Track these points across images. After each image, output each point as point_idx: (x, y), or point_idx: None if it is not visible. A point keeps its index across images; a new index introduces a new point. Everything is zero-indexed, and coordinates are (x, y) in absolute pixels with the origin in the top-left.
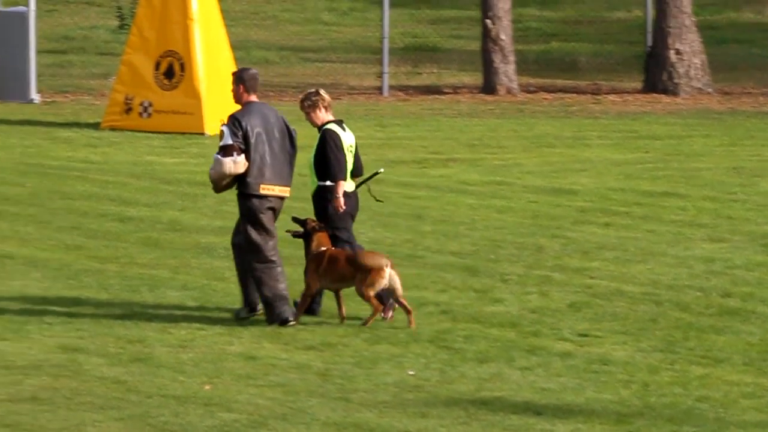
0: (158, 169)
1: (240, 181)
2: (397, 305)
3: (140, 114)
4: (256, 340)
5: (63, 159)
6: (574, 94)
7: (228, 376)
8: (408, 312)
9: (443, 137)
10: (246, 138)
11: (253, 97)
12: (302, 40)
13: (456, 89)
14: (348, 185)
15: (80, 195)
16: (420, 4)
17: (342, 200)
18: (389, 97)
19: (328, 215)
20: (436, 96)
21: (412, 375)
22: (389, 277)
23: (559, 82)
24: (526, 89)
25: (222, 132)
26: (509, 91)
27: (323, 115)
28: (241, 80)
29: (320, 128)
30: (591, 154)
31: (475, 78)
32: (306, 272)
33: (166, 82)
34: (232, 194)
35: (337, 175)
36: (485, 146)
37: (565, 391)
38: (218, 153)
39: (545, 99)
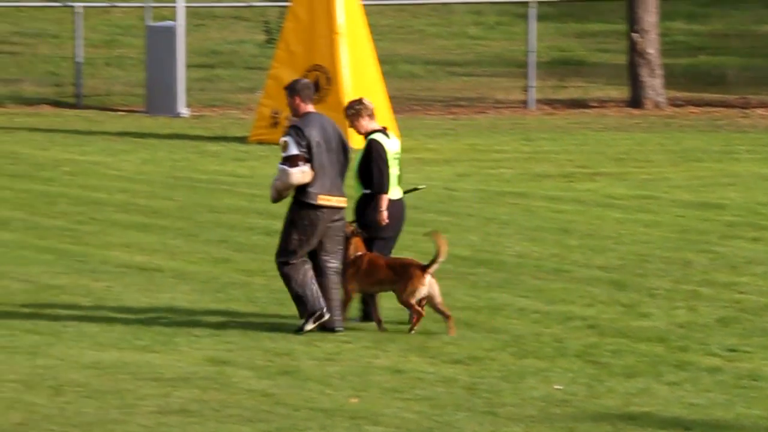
0: None
1: (300, 190)
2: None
3: None
4: (403, 353)
5: (211, 172)
6: (722, 108)
7: (374, 389)
8: (447, 318)
9: (590, 151)
10: (309, 148)
11: (310, 107)
12: (448, 54)
13: (602, 103)
14: (395, 192)
15: (228, 208)
16: (566, 18)
17: (386, 213)
18: (535, 111)
19: (366, 223)
20: (583, 110)
21: (559, 389)
22: (429, 284)
23: (707, 96)
24: (673, 103)
25: (285, 142)
26: (656, 105)
27: (367, 124)
28: (296, 91)
29: (365, 136)
30: (739, 169)
31: (622, 92)
32: (343, 276)
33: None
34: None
35: (382, 188)
36: (632, 160)
37: (714, 407)
38: (283, 163)
39: (693, 113)
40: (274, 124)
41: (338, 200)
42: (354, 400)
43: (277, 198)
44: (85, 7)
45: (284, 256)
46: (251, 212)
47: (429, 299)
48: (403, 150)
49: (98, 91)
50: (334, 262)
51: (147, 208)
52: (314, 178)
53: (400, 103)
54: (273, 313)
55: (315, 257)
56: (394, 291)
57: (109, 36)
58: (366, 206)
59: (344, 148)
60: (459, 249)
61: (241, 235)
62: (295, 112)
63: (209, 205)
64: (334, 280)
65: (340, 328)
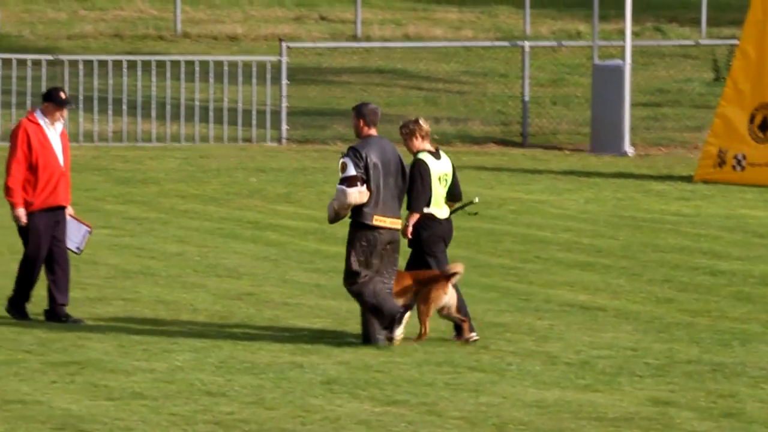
0: (751, 223)
1: (356, 210)
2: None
3: (733, 167)
4: None
5: (655, 212)
6: None
7: None
8: (463, 322)
9: None
10: (366, 169)
11: (373, 131)
12: None
13: None
14: (442, 212)
15: (672, 248)
16: None
17: (411, 229)
18: None
19: (421, 240)
20: None
21: None
22: (450, 294)
23: None
24: None
25: (344, 164)
26: None
27: (419, 144)
28: (362, 115)
29: (415, 155)
30: None
31: None
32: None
33: (760, 135)
34: None
35: (414, 207)
36: None
37: None
38: (341, 184)
39: None
40: (721, 163)
41: (393, 222)
42: None
43: (335, 218)
44: (533, 46)
45: (347, 278)
46: (695, 252)
47: (447, 308)
48: None
49: (544, 129)
50: (388, 282)
51: (590, 247)
52: (371, 200)
53: None
54: (717, 354)
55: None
56: (416, 299)
57: (556, 75)
58: (417, 223)
59: (403, 172)
60: None
61: (685, 274)
62: (358, 133)
63: (653, 244)
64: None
65: (383, 342)
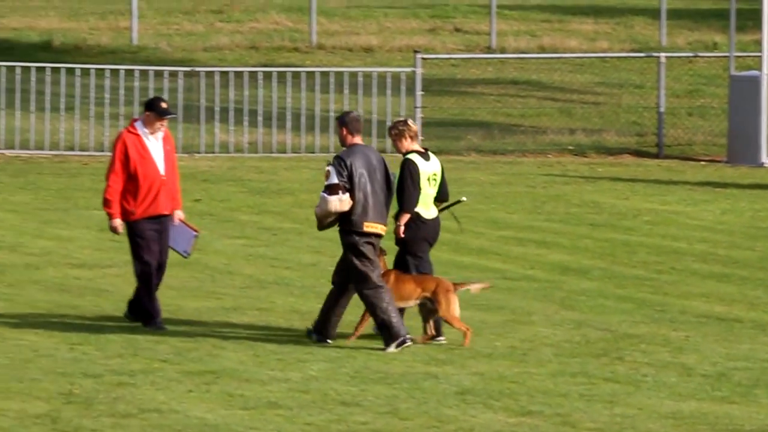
0: None
1: (344, 218)
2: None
3: None
4: None
5: None
6: None
7: None
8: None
9: None
10: (350, 177)
11: (357, 139)
12: None
13: None
14: (429, 212)
15: None
16: None
17: (402, 228)
18: None
19: (404, 239)
20: None
21: None
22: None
23: None
24: None
25: (328, 172)
26: None
27: (408, 144)
28: (344, 123)
29: (404, 156)
30: None
31: None
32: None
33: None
34: None
35: (405, 207)
36: None
37: None
38: (324, 191)
39: None
40: None
41: (382, 228)
42: None
43: (320, 226)
44: (668, 57)
45: (360, 283)
46: None
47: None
48: None
49: (679, 140)
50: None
51: (727, 258)
52: (359, 207)
53: None
54: None
55: (342, 276)
56: (431, 306)
57: (691, 86)
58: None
59: (388, 179)
60: None
61: None
62: (343, 142)
63: None
64: (346, 300)
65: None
